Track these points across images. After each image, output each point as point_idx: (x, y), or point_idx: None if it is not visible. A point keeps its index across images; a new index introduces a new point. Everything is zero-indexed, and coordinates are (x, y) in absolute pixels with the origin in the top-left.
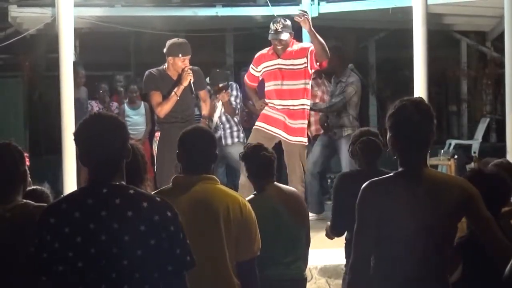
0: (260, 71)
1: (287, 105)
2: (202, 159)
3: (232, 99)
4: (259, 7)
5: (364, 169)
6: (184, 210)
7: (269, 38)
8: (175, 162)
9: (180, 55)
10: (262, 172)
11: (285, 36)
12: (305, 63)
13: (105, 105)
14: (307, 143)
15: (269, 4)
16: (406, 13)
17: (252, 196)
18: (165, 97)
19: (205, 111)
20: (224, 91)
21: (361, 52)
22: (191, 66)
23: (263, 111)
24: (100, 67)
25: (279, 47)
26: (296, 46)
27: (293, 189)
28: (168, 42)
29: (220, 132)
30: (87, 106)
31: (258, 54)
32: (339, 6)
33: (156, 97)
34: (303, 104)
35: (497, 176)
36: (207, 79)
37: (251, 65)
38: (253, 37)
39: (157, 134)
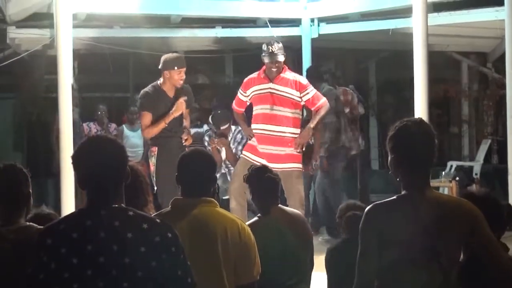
0: (249, 95)
1: (275, 131)
2: (202, 182)
3: (233, 146)
4: (258, 28)
5: (349, 241)
6: (182, 232)
7: (265, 60)
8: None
9: (176, 68)
10: (266, 194)
11: (281, 58)
12: (299, 97)
13: (104, 127)
14: (302, 170)
15: (269, 26)
16: (406, 34)
17: (256, 218)
18: (158, 114)
19: (186, 123)
20: (223, 137)
21: (361, 73)
22: (185, 97)
23: (250, 142)
24: (99, 88)
25: (273, 70)
26: (291, 75)
27: (297, 211)
28: (163, 57)
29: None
30: (79, 127)
31: (247, 79)
32: (339, 27)
33: (146, 118)
34: (292, 133)
35: (488, 198)
36: (210, 119)
37: (240, 90)
38: (253, 59)
39: (154, 149)
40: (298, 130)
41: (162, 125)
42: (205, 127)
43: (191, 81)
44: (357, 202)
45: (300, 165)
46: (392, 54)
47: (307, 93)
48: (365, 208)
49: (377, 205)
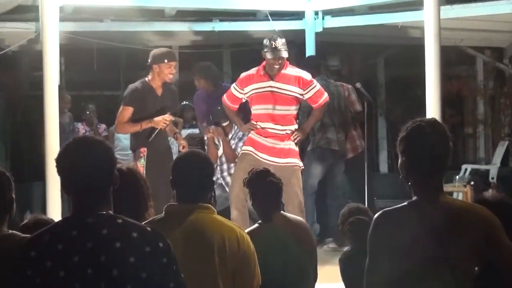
0: (247, 93)
1: (278, 129)
2: (198, 187)
3: (233, 142)
4: (259, 22)
5: (358, 249)
6: (177, 241)
7: (268, 56)
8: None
9: (166, 61)
10: (268, 200)
11: (285, 54)
12: (301, 94)
13: (93, 128)
14: (302, 167)
15: (270, 19)
16: (417, 28)
17: (256, 225)
18: (144, 111)
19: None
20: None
21: (369, 70)
22: (171, 118)
23: (250, 135)
24: (87, 86)
25: (276, 67)
26: (293, 70)
27: (300, 219)
28: (152, 52)
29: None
30: (69, 131)
31: (245, 75)
32: (345, 21)
33: (126, 113)
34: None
35: (504, 203)
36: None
37: (234, 86)
38: (253, 54)
39: (143, 149)
40: (295, 126)
41: (137, 128)
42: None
43: (186, 78)
44: (360, 205)
45: (300, 162)
46: (402, 49)
47: (311, 90)
48: (369, 212)
49: (387, 212)
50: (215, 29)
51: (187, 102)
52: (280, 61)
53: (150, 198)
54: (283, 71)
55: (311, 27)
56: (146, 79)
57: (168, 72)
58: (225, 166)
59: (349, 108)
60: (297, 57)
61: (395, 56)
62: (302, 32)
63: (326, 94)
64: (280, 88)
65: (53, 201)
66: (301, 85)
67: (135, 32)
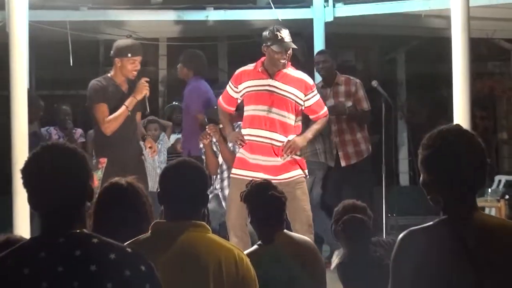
0: (241, 91)
1: (271, 138)
2: (190, 202)
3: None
4: (259, 10)
5: (353, 252)
6: (164, 264)
7: (275, 49)
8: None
9: (130, 55)
10: (270, 217)
11: (294, 45)
12: (302, 100)
13: (67, 133)
14: (307, 176)
15: (273, 7)
16: (442, 17)
17: (256, 247)
18: (113, 111)
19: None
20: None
21: (387, 66)
22: (147, 79)
23: (238, 155)
24: (61, 85)
25: (282, 61)
26: (295, 72)
27: (306, 238)
28: (115, 43)
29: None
30: (39, 141)
31: (240, 71)
32: (359, 9)
33: (103, 110)
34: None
35: None
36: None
37: (230, 84)
38: (253, 48)
39: (103, 160)
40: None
41: (125, 112)
42: None
43: (176, 75)
44: (356, 201)
45: (302, 172)
46: (426, 42)
47: (311, 97)
48: (368, 210)
49: (413, 232)
50: (208, 19)
51: (176, 103)
52: (288, 54)
53: (153, 217)
54: (284, 70)
55: (320, 16)
56: (109, 75)
57: (132, 68)
58: (225, 174)
59: (355, 107)
60: (304, 51)
61: (418, 50)
62: (309, 22)
63: (325, 108)
64: (280, 89)
65: (20, 218)
66: (303, 89)
67: (116, 22)
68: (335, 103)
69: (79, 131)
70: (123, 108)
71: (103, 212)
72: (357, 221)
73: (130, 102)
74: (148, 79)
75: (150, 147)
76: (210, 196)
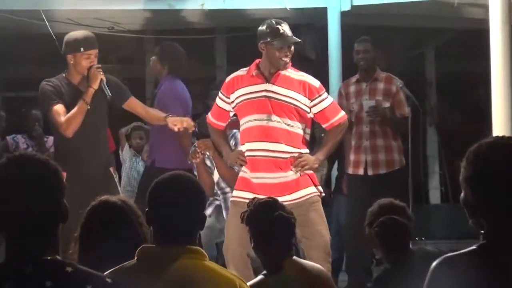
0: (233, 101)
1: (273, 150)
2: (185, 223)
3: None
4: None
5: (391, 266)
6: None
7: (277, 45)
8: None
9: (82, 49)
10: (277, 242)
11: (297, 40)
12: (307, 106)
13: (37, 141)
14: (322, 193)
15: None
16: (479, 7)
17: (261, 277)
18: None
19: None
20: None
21: (414, 64)
22: (99, 65)
23: (241, 174)
24: (30, 85)
25: (285, 60)
26: (296, 73)
27: (319, 267)
28: (65, 37)
29: (219, 202)
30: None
31: (230, 78)
32: None
33: (59, 110)
34: (298, 153)
35: None
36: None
37: (220, 94)
38: (256, 42)
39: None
40: (307, 151)
41: (83, 107)
42: None
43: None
44: (395, 201)
45: (316, 189)
46: (459, 35)
47: (319, 102)
48: (407, 211)
49: (449, 260)
50: (204, 7)
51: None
52: (291, 51)
53: (149, 241)
54: (283, 72)
55: (335, 5)
56: (63, 74)
57: (86, 64)
58: (228, 189)
59: (392, 110)
60: (316, 44)
61: (450, 44)
62: (323, 12)
63: (342, 112)
64: (278, 93)
65: None
66: (306, 92)
67: (96, 12)
68: (375, 103)
69: (51, 139)
70: (80, 102)
71: (93, 236)
72: (395, 224)
73: (87, 94)
74: (99, 65)
75: (175, 125)
76: (209, 210)
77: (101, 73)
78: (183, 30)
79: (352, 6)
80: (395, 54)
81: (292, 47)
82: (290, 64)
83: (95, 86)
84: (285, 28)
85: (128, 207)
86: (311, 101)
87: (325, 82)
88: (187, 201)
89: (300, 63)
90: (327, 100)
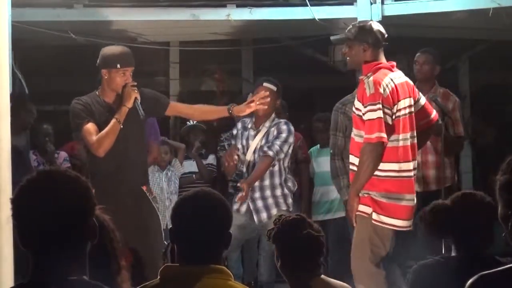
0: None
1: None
2: (209, 242)
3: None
4: (292, 7)
5: (454, 256)
6: None
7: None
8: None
9: (119, 66)
10: (304, 261)
11: None
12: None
13: (48, 157)
14: (367, 215)
15: (308, 4)
16: None
17: None
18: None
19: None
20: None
21: (447, 75)
22: (135, 82)
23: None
24: (47, 99)
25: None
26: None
27: (346, 286)
28: (102, 50)
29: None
30: (29, 158)
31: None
32: (413, 6)
33: (90, 129)
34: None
35: None
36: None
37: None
38: (283, 54)
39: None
40: None
41: (115, 126)
42: (211, 158)
43: (191, 86)
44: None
45: (364, 208)
46: (494, 46)
47: (364, 112)
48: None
49: (486, 277)
50: (230, 18)
51: (195, 122)
52: None
53: (122, 256)
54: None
55: (366, 15)
56: (96, 92)
57: (121, 81)
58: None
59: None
60: (345, 59)
61: (485, 55)
62: (353, 22)
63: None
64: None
65: (3, 258)
66: (362, 98)
67: (118, 23)
68: None
69: (62, 154)
70: (113, 121)
71: None
72: (471, 201)
73: (120, 113)
74: (135, 83)
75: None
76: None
77: (136, 91)
78: (208, 42)
79: (383, 17)
80: (426, 65)
81: None
82: None
83: (129, 105)
84: None
85: (98, 222)
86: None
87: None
88: (211, 219)
89: (330, 75)
90: (368, 113)
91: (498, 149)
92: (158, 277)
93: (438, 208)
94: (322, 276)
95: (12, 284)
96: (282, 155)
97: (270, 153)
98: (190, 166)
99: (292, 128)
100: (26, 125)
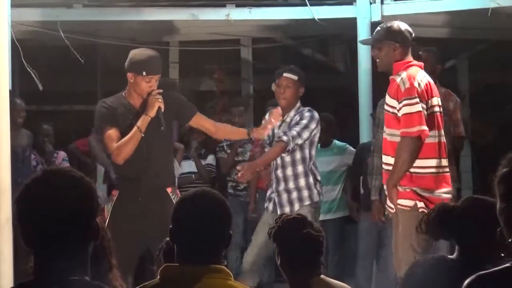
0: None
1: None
2: (209, 242)
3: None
4: (291, 7)
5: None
6: None
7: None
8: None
9: (144, 73)
10: (304, 260)
11: None
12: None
13: (46, 157)
14: (410, 208)
15: (308, 4)
16: None
17: None
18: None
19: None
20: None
21: (446, 75)
22: (160, 90)
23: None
24: (48, 98)
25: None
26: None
27: (346, 286)
28: (131, 53)
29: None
30: (30, 158)
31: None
32: (412, 6)
33: (112, 135)
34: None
35: None
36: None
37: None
38: (283, 54)
39: (114, 192)
40: None
41: (137, 135)
42: (210, 158)
43: (190, 86)
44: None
45: (405, 202)
46: (494, 46)
47: (400, 108)
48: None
49: (483, 277)
50: (230, 18)
51: None
52: None
53: (112, 254)
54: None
55: (365, 15)
56: (123, 93)
57: (146, 88)
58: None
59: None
60: (345, 55)
61: (484, 55)
62: (352, 22)
63: (416, 125)
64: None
65: (3, 258)
66: (396, 94)
67: (118, 23)
68: None
69: (61, 154)
70: (134, 129)
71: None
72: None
73: (142, 121)
74: (160, 90)
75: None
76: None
77: (160, 100)
78: (207, 41)
79: (383, 17)
80: (427, 66)
81: None
82: None
83: (152, 114)
84: None
85: None
86: (399, 103)
87: (354, 94)
88: (211, 219)
89: (329, 75)
90: (404, 108)
91: (498, 149)
92: (158, 276)
93: (444, 209)
94: (322, 276)
95: (12, 284)
96: (299, 141)
97: (285, 138)
98: (189, 166)
99: (316, 114)
100: (17, 123)
